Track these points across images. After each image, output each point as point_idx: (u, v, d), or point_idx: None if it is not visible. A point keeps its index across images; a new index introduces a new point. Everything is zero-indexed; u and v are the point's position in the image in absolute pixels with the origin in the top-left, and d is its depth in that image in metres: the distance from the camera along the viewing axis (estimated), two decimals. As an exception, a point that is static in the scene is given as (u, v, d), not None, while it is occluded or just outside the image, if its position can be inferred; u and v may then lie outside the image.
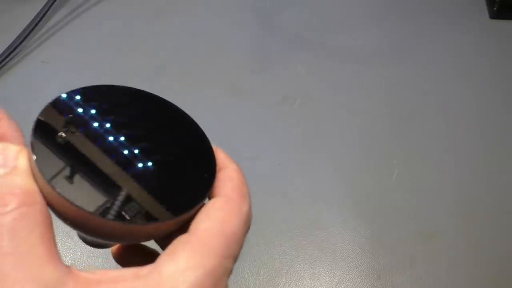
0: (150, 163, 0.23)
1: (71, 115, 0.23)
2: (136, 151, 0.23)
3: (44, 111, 0.23)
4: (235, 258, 0.22)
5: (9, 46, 0.62)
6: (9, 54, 0.61)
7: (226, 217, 0.22)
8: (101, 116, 0.23)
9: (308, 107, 0.56)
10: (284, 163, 0.51)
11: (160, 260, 0.20)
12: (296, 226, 0.47)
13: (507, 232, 0.45)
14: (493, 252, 0.44)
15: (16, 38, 0.62)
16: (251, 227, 0.42)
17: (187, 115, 0.26)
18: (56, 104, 0.23)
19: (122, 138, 0.23)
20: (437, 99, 0.56)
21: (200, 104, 0.56)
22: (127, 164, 0.22)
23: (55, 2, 0.66)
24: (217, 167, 0.24)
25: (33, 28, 0.64)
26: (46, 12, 0.65)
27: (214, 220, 0.22)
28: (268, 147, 0.52)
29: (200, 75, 0.59)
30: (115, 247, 0.29)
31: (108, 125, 0.23)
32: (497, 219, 0.46)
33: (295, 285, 0.43)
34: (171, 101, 0.26)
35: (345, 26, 0.65)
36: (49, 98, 0.23)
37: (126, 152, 0.23)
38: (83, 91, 0.24)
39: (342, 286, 0.43)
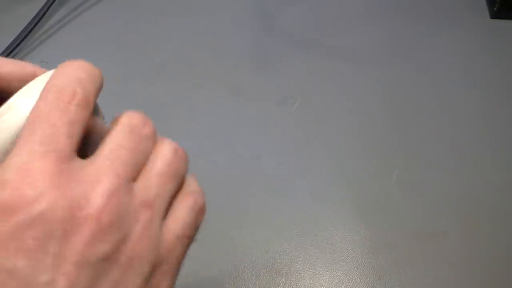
0: None
1: None
2: None
3: None
4: None
5: (8, 46, 0.62)
6: (8, 54, 0.61)
7: None
8: None
9: (308, 107, 0.56)
10: (284, 163, 0.51)
11: None
12: (296, 226, 0.46)
13: (507, 232, 0.45)
14: (494, 252, 0.44)
15: (15, 38, 0.62)
16: (250, 227, 0.43)
17: None
18: None
19: None
20: (438, 99, 0.56)
21: (200, 104, 0.56)
22: None
23: (55, 2, 0.66)
24: None
25: (33, 28, 0.64)
26: (46, 12, 0.65)
27: None
28: (268, 147, 0.52)
29: (200, 75, 0.59)
30: None
31: None
32: (498, 219, 0.46)
33: (295, 286, 0.43)
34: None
35: (345, 26, 0.64)
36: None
37: None
38: None
39: (343, 287, 0.43)
